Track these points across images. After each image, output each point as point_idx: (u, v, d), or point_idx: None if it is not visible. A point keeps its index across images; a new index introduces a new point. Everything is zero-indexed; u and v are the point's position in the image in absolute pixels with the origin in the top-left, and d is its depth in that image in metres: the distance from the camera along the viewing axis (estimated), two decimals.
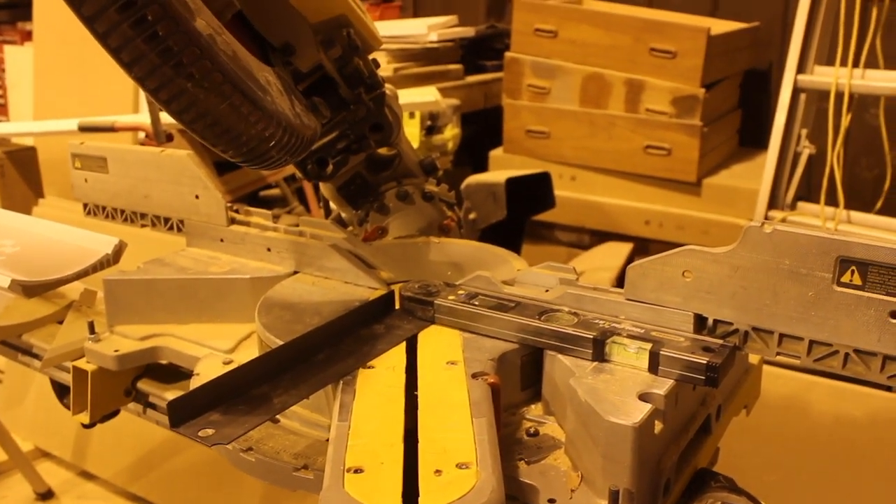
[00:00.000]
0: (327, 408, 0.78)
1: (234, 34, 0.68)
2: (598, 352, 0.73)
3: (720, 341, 0.72)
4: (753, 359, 0.89)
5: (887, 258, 0.65)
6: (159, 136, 2.29)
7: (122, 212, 1.24)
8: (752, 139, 2.99)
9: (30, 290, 1.07)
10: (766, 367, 0.93)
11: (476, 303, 0.83)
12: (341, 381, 0.73)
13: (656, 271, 0.76)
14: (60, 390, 1.16)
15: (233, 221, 1.13)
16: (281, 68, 0.84)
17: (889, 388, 1.61)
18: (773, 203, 2.26)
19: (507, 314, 0.79)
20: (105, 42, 0.59)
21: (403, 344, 0.81)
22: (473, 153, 3.13)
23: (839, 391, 1.65)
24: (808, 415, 1.69)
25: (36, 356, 1.15)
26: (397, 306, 0.89)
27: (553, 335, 0.76)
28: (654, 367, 0.70)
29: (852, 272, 0.67)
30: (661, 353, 0.70)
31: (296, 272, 1.04)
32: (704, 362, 0.68)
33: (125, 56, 0.59)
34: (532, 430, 0.75)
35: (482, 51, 3.29)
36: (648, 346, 0.71)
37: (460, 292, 0.86)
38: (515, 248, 1.48)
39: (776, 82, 2.80)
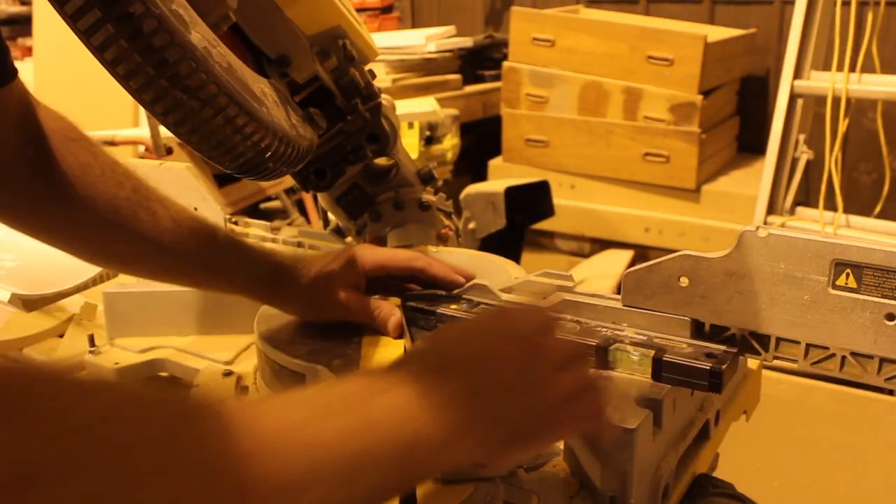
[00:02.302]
0: None
1: (230, 46, 0.69)
2: (602, 359, 0.73)
3: (723, 347, 0.71)
4: (753, 364, 0.89)
5: (882, 261, 0.65)
6: (159, 150, 2.30)
7: None
8: (751, 145, 3.00)
9: (30, 303, 1.07)
10: (766, 372, 0.93)
11: (478, 312, 0.83)
12: None
13: (652, 277, 0.76)
14: None
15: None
16: (277, 79, 0.84)
17: (890, 392, 1.61)
18: (772, 209, 2.26)
19: None
20: (101, 55, 0.59)
21: (402, 353, 0.81)
22: (473, 163, 3.14)
23: (839, 395, 1.65)
24: (808, 419, 1.68)
25: None
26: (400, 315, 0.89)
27: None
28: (657, 373, 0.70)
29: (847, 275, 0.67)
30: (664, 359, 0.69)
31: None
32: (708, 368, 0.67)
33: (121, 69, 0.60)
34: None
35: (480, 61, 3.30)
36: (651, 352, 0.71)
37: (463, 302, 0.86)
38: (515, 257, 1.48)
39: (773, 88, 2.81)
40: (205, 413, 0.41)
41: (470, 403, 0.49)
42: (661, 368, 0.70)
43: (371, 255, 0.87)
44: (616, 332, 0.76)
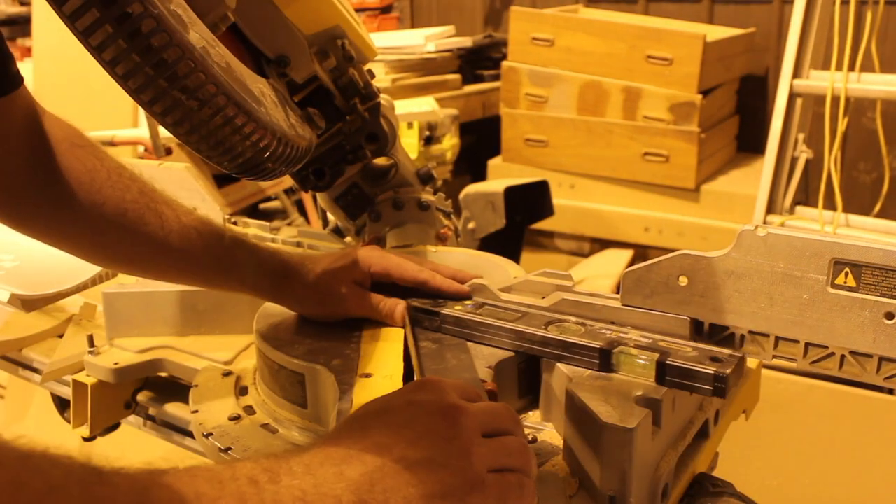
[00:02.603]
0: (325, 417, 0.78)
1: (229, 46, 0.69)
2: (605, 362, 0.72)
3: (728, 351, 0.70)
4: (752, 363, 0.89)
5: (881, 260, 0.65)
6: (158, 150, 2.30)
7: None
8: (750, 144, 3.00)
9: (29, 304, 1.07)
10: (765, 371, 0.94)
11: (482, 313, 0.82)
12: (339, 390, 0.74)
13: (651, 277, 0.76)
14: (61, 404, 1.16)
15: None
16: (276, 79, 0.84)
17: (889, 391, 1.61)
18: (772, 208, 2.26)
19: (514, 324, 0.78)
20: (99, 55, 0.59)
21: (401, 352, 0.81)
22: (472, 162, 3.14)
23: (839, 394, 1.65)
24: (808, 419, 1.68)
25: (36, 370, 1.15)
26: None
27: (560, 345, 0.75)
28: (660, 377, 0.69)
29: (846, 274, 0.67)
30: (668, 362, 0.69)
31: None
32: (712, 373, 0.67)
33: (120, 69, 0.60)
34: (530, 437, 0.75)
35: (480, 60, 3.30)
36: (655, 356, 0.70)
37: (467, 302, 0.85)
38: (514, 257, 1.48)
39: (773, 87, 2.81)
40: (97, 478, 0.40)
41: (390, 479, 0.49)
42: (665, 372, 0.69)
43: (378, 258, 0.88)
44: (621, 335, 0.75)
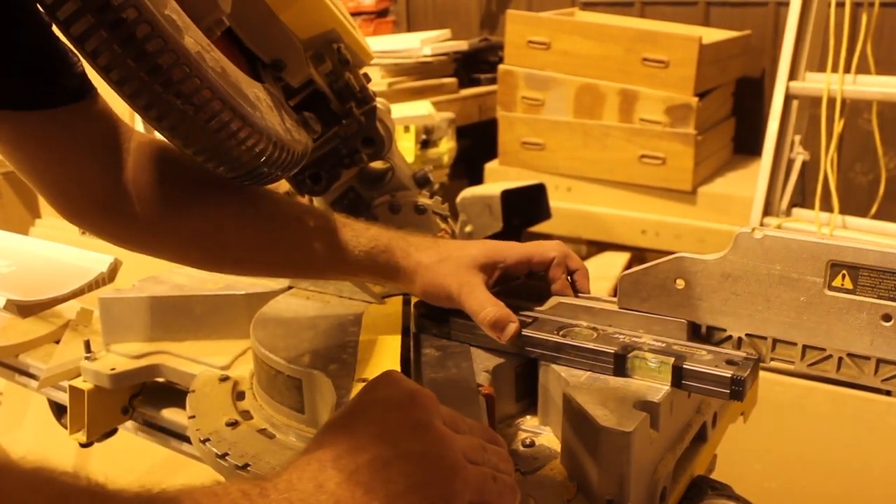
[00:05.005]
0: (322, 422, 0.78)
1: (224, 51, 0.68)
2: (620, 367, 0.72)
3: (744, 354, 0.70)
4: None
5: (877, 261, 0.65)
6: None
7: None
8: (747, 146, 3.00)
9: (25, 309, 1.07)
10: (763, 374, 0.93)
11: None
12: (336, 395, 0.73)
13: (648, 280, 0.76)
14: (58, 410, 1.16)
15: None
16: (271, 84, 0.84)
17: (887, 393, 1.61)
18: (769, 210, 2.26)
19: (527, 330, 0.77)
20: (94, 61, 0.59)
21: (398, 357, 0.81)
22: (469, 166, 3.14)
23: (837, 397, 1.65)
24: (806, 421, 1.68)
25: (33, 376, 1.15)
26: (410, 323, 0.88)
27: (574, 351, 0.74)
28: (677, 381, 0.69)
29: (843, 276, 0.67)
30: (685, 367, 0.68)
31: (290, 287, 1.04)
32: (729, 376, 0.67)
33: (114, 75, 0.59)
34: (528, 441, 0.75)
35: (476, 64, 3.30)
36: (671, 360, 0.69)
37: None
38: None
39: (769, 89, 2.81)
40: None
41: (371, 481, 0.50)
42: (682, 376, 0.69)
43: (509, 248, 0.84)
44: (634, 339, 0.75)
